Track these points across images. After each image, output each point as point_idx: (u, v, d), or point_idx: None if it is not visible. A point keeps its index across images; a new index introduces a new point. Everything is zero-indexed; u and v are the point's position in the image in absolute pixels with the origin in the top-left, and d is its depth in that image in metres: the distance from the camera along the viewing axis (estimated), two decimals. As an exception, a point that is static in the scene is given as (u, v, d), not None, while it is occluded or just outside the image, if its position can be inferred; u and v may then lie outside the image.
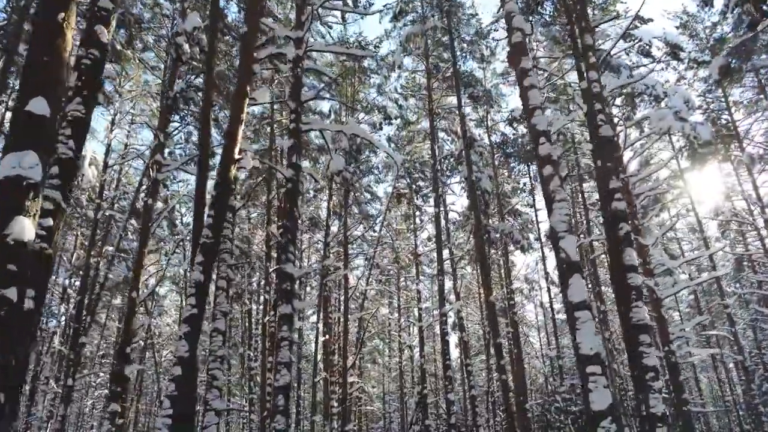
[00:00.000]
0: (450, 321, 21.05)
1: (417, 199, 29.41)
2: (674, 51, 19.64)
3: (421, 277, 32.12)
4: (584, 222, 27.00)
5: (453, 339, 38.06)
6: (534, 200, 28.22)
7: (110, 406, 10.15)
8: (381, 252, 35.20)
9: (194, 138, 19.34)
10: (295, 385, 27.63)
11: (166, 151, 18.79)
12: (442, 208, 20.83)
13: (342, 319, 20.82)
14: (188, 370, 7.30)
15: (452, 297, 19.89)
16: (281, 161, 21.83)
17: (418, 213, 32.34)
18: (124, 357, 10.44)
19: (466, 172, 19.24)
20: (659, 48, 19.48)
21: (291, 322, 10.90)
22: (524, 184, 28.41)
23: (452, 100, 25.23)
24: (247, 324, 26.17)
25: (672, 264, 18.73)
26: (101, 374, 38.79)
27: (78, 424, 42.87)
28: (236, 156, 10.14)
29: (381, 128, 23.82)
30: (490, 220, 21.70)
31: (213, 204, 9.14)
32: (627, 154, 21.08)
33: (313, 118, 13.98)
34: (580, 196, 26.38)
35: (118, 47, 19.99)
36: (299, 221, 19.10)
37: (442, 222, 20.91)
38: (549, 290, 27.36)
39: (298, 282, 12.52)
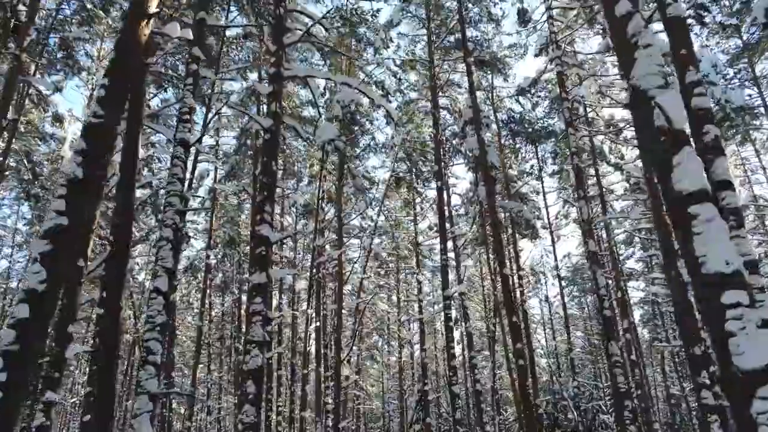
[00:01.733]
0: (453, 314, 19.06)
1: (417, 183, 27.46)
2: (698, 13, 17.68)
3: (422, 270, 30.18)
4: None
5: (455, 335, 36.20)
6: (542, 185, 26.24)
7: (45, 395, 8.18)
8: (380, 244, 33.30)
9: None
10: (288, 380, 25.79)
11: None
12: (444, 188, 18.84)
13: (336, 305, 18.86)
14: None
15: (456, 287, 17.90)
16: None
17: (418, 200, 30.44)
18: (65, 336, 8.46)
19: (474, 141, 17.30)
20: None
21: (266, 294, 8.95)
22: (532, 167, 26.44)
23: (455, 77, 23.31)
24: (236, 312, 24.20)
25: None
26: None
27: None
28: (152, 8, 7.34)
29: (378, 107, 21.98)
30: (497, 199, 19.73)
31: (107, 77, 6.29)
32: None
33: (298, 65, 12.10)
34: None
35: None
36: (279, 176, 17.11)
37: (445, 198, 18.94)
38: (559, 279, 25.36)
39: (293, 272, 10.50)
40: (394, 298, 38.30)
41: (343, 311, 29.93)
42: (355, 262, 24.66)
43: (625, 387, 10.67)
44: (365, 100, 18.83)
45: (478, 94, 21.66)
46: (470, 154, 17.88)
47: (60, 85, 21.78)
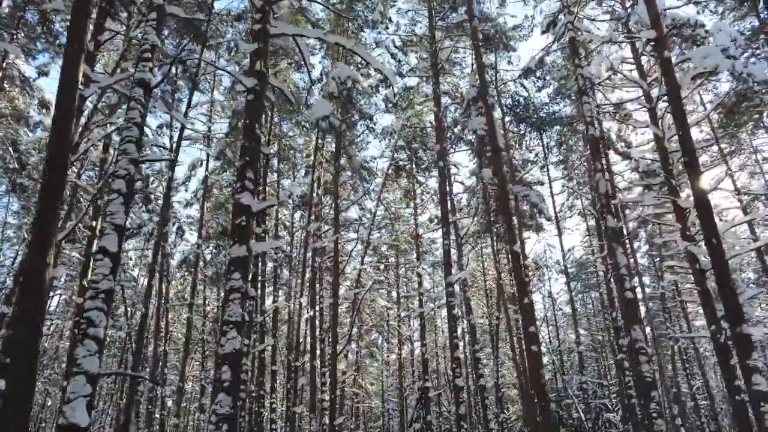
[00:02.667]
0: (456, 302, 17.90)
1: (418, 172, 26.34)
2: (715, -14, 16.63)
3: (422, 264, 29.05)
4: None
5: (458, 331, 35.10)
6: (548, 174, 25.10)
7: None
8: (379, 237, 32.16)
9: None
10: (284, 376, 24.71)
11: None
12: (446, 168, 17.70)
13: (332, 294, 17.73)
14: None
15: (459, 273, 16.73)
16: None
17: (419, 191, 29.32)
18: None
19: (479, 120, 16.18)
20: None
21: (245, 269, 7.83)
22: (536, 155, 25.32)
23: (457, 57, 22.21)
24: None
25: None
26: None
27: None
28: None
29: (377, 90, 20.91)
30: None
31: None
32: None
33: (286, 24, 10.99)
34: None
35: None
36: (263, 139, 15.99)
37: (447, 186, 17.78)
38: (566, 270, 24.22)
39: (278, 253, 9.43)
40: (394, 294, 37.16)
41: (340, 304, 28.84)
42: (352, 250, 23.50)
43: (651, 376, 9.56)
44: (363, 80, 17.74)
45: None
46: (474, 136, 16.77)
47: (45, 69, 20.72)
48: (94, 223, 16.28)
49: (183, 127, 14.80)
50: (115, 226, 5.83)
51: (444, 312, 48.01)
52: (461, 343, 32.99)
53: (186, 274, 30.70)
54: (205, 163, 21.70)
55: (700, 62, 15.40)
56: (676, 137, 18.49)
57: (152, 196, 26.40)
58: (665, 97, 16.92)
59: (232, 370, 7.08)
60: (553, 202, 24.16)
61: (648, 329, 44.76)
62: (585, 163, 25.90)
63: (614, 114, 21.51)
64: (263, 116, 9.10)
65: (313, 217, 20.15)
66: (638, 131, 21.72)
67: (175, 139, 19.76)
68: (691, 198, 16.53)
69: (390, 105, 21.62)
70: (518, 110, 22.57)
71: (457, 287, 16.13)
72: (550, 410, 10.23)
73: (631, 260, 26.60)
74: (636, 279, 21.46)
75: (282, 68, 18.74)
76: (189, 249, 29.13)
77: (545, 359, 40.78)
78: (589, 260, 34.55)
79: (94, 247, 16.88)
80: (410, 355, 39.35)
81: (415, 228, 28.04)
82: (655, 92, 17.64)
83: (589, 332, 46.10)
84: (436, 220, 29.48)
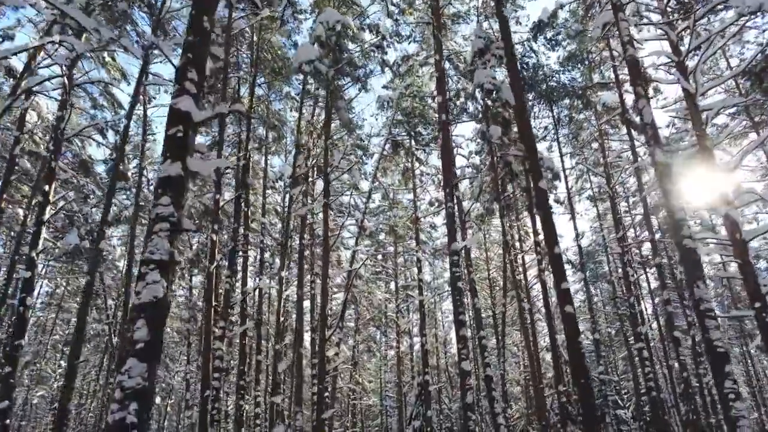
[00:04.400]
0: (461, 272, 15.64)
1: (417, 149, 24.15)
2: None
3: (422, 248, 26.83)
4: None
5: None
6: (559, 149, 22.87)
7: None
8: (377, 225, 29.97)
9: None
10: (269, 366, 22.41)
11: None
12: (449, 120, 15.43)
13: (321, 273, 15.55)
14: None
15: (463, 241, 14.46)
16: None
17: (418, 173, 27.14)
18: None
19: (485, 73, 14.01)
20: None
21: (178, 193, 5.63)
22: (545, 129, 23.12)
23: (462, 8, 20.03)
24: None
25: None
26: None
27: None
28: None
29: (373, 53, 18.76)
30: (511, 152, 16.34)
31: None
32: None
33: None
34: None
35: None
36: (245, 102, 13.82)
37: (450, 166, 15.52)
38: (579, 250, 21.99)
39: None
40: (392, 286, 34.91)
41: (332, 291, 26.58)
42: (343, 224, 21.27)
43: (724, 347, 7.36)
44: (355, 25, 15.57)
45: (485, 26, 18.41)
46: (480, 92, 14.58)
47: (11, 33, 18.54)
48: (46, 188, 14.13)
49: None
50: None
51: (444, 305, 45.74)
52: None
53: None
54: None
55: (742, 4, 13.22)
56: (709, 93, 16.34)
57: (129, 174, 24.29)
58: (698, 49, 14.77)
59: (150, 327, 4.87)
60: (566, 179, 21.89)
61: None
62: (597, 140, 23.73)
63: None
64: (215, 6, 6.90)
65: (301, 193, 17.97)
66: (658, 98, 19.57)
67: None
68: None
69: (387, 68, 19.48)
70: (527, 76, 20.35)
71: (463, 249, 13.80)
72: (589, 388, 8.04)
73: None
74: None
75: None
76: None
77: (548, 356, 38.58)
78: (597, 250, 32.37)
79: (47, 215, 14.73)
80: (409, 349, 37.13)
81: (414, 211, 25.86)
82: (683, 46, 15.49)
83: (596, 326, 43.82)
84: (436, 203, 27.33)
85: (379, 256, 34.25)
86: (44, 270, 33.56)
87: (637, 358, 21.01)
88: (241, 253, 16.35)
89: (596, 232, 31.45)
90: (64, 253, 26.62)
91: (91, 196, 25.02)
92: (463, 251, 13.15)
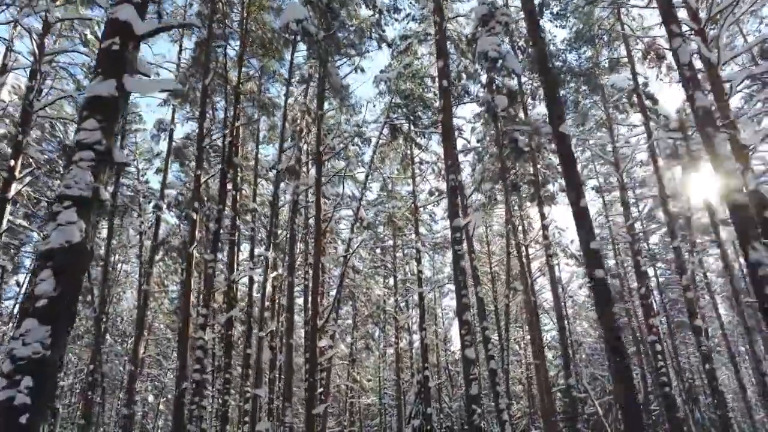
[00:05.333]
0: (464, 249, 14.33)
1: (417, 135, 22.90)
2: None
3: (421, 238, 25.59)
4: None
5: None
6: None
7: None
8: (375, 217, 28.75)
9: None
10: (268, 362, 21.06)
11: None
12: (449, 89, 14.18)
13: (313, 258, 14.33)
14: None
15: (467, 217, 13.20)
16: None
17: (418, 162, 25.92)
18: None
19: (490, 41, 12.80)
20: None
21: (110, 116, 4.40)
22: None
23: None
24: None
25: None
26: None
27: None
28: None
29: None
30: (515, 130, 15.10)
31: None
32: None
33: None
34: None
35: None
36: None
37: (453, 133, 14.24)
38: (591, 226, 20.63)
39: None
40: (391, 281, 33.62)
41: (324, 279, 25.30)
42: (336, 204, 20.00)
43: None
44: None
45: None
46: (485, 62, 13.33)
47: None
48: (12, 163, 12.90)
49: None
50: None
51: (445, 302, 44.51)
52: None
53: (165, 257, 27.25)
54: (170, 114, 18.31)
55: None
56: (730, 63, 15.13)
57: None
58: (720, 15, 13.53)
59: (58, 279, 3.64)
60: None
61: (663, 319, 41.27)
62: (605, 124, 22.48)
63: (647, 53, 18.13)
64: None
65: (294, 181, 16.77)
66: (672, 76, 18.33)
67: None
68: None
69: (384, 44, 18.28)
70: (531, 56, 19.10)
71: (466, 225, 12.48)
72: (628, 366, 6.80)
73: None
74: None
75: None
76: (168, 228, 25.77)
77: (550, 354, 37.29)
78: (605, 238, 31.07)
79: (12, 192, 13.50)
80: (409, 346, 35.84)
81: (414, 200, 24.66)
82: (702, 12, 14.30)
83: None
84: (436, 193, 26.11)
85: (378, 251, 33.05)
86: (32, 264, 32.41)
87: (649, 352, 19.70)
88: (228, 238, 15.09)
89: (601, 226, 30.16)
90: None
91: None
92: (465, 237, 11.88)
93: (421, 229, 27.28)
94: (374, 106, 25.21)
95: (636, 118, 22.85)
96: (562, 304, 35.24)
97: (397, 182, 28.29)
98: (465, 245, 10.40)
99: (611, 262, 32.87)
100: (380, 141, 24.50)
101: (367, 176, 20.52)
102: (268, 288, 13.69)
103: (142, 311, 16.83)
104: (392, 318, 31.67)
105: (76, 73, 21.45)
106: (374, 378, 42.09)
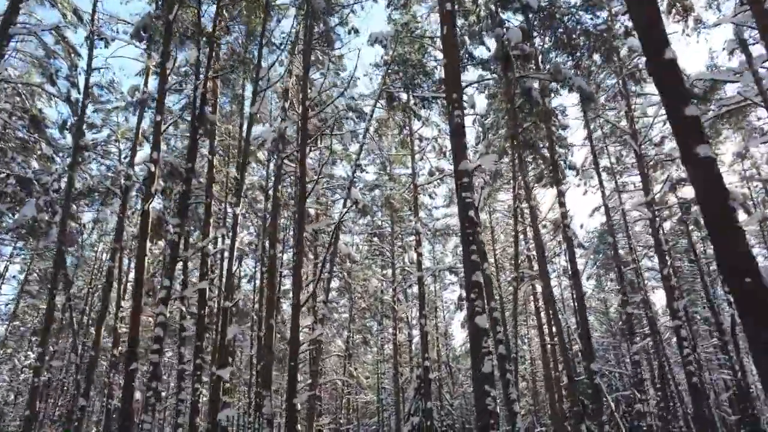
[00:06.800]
0: (475, 199, 12.13)
1: (416, 104, 20.80)
2: None
3: (420, 219, 23.52)
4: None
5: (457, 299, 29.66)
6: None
7: None
8: (371, 200, 26.69)
9: None
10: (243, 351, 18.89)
11: None
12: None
13: (295, 227, 12.28)
14: None
15: (476, 161, 11.09)
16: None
17: (417, 139, 23.85)
18: None
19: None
20: None
21: None
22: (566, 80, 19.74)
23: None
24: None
25: None
26: None
27: None
28: None
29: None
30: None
31: None
32: None
33: None
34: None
35: None
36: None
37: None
38: (607, 210, 18.59)
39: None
40: (389, 273, 31.51)
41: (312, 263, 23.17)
42: (323, 166, 17.87)
43: None
44: None
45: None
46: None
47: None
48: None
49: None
50: None
51: (445, 294, 42.35)
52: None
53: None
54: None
55: None
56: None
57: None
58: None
59: None
60: (590, 136, 18.42)
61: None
62: (621, 91, 20.40)
63: (672, 5, 16.03)
64: None
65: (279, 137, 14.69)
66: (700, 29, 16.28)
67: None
68: None
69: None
70: (542, 14, 17.01)
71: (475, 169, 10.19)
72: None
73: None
74: None
75: None
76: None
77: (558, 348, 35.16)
78: (615, 224, 28.94)
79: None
80: (408, 340, 33.74)
81: (413, 179, 22.60)
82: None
83: (607, 317, 40.39)
84: (436, 173, 24.06)
85: (375, 239, 30.99)
86: (14, 252, 30.37)
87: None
88: (204, 201, 13.02)
89: (614, 210, 28.02)
90: (20, 226, 23.31)
91: (58, 163, 21.90)
92: (472, 184, 9.72)
93: (421, 214, 25.24)
94: (371, 80, 23.05)
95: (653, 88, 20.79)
96: (571, 292, 33.11)
97: (396, 163, 26.25)
98: (474, 194, 8.27)
99: (621, 251, 30.85)
100: (376, 109, 22.48)
101: (361, 147, 18.43)
102: (236, 251, 11.60)
103: (107, 291, 14.73)
104: (390, 308, 29.57)
105: (49, 41, 19.48)
106: (372, 375, 40.03)
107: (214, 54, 13.44)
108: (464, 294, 25.91)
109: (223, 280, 14.34)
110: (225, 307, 10.94)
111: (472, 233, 8.05)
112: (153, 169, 10.43)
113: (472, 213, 8.10)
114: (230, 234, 11.71)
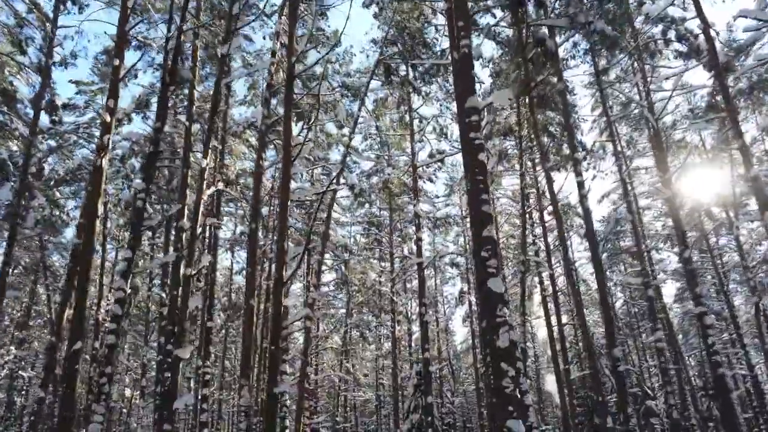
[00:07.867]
0: (485, 144, 10.43)
1: (415, 79, 19.28)
2: None
3: (420, 199, 21.96)
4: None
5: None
6: (598, 76, 17.95)
7: None
8: (367, 185, 25.13)
9: None
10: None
11: None
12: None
13: (279, 189, 10.80)
14: None
15: (487, 98, 9.54)
16: None
17: (416, 116, 22.30)
18: None
19: None
20: None
21: None
22: (575, 46, 18.23)
23: None
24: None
25: None
26: None
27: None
28: None
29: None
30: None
31: None
32: None
33: None
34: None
35: None
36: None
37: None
38: (624, 184, 17.05)
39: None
40: (387, 266, 29.96)
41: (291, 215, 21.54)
42: (309, 129, 16.28)
43: None
44: None
45: None
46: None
47: None
48: None
49: None
50: None
51: (446, 289, 40.75)
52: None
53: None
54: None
55: None
56: None
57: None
58: None
59: None
60: (605, 104, 16.88)
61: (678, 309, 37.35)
62: (636, 61, 18.85)
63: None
64: None
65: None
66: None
67: None
68: None
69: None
70: None
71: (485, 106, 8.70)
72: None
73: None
74: None
75: None
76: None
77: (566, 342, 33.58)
78: (624, 212, 27.41)
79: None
80: (407, 334, 32.22)
81: (413, 159, 21.06)
82: None
83: (613, 311, 38.79)
84: (436, 155, 22.53)
85: (373, 228, 29.49)
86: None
87: (698, 326, 16.00)
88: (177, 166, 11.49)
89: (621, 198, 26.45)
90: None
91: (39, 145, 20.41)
92: (481, 122, 8.11)
93: (421, 205, 23.68)
94: (367, 57, 21.41)
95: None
96: (577, 284, 31.52)
97: (394, 147, 24.69)
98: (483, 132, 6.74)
99: (627, 242, 29.39)
100: (374, 91, 21.03)
101: (356, 121, 16.92)
102: (203, 208, 10.06)
103: (72, 274, 13.15)
104: (389, 301, 28.04)
105: (20, 9, 18.01)
106: (371, 373, 38.51)
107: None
108: (465, 288, 24.28)
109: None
110: (186, 275, 9.41)
111: (483, 180, 6.54)
112: (108, 119, 8.93)
113: (483, 156, 6.59)
114: (197, 192, 10.16)
